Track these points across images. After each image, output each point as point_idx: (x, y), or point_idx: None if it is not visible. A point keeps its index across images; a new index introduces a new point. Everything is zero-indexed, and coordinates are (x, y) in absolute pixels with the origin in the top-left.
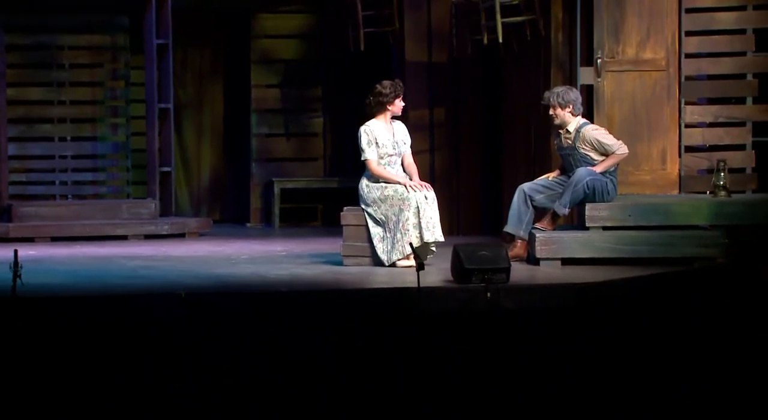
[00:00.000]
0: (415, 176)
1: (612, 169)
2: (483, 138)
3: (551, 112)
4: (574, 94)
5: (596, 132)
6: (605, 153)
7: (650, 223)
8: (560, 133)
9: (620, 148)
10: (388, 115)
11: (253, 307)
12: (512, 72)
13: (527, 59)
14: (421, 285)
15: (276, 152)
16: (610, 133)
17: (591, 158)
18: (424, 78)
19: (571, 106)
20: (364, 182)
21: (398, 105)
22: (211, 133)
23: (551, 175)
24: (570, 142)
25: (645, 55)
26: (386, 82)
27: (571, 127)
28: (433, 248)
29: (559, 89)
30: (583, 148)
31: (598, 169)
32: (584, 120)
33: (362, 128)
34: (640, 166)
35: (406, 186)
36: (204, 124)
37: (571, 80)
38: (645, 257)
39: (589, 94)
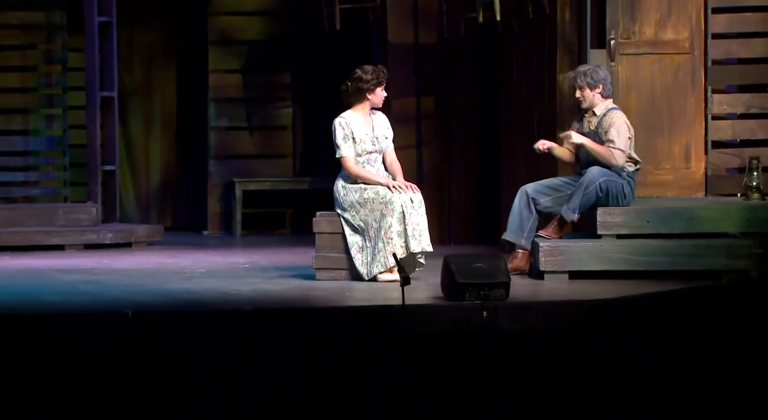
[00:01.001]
0: (399, 176)
1: (631, 170)
2: (478, 131)
3: (578, 94)
4: (603, 73)
5: (620, 121)
6: (603, 140)
7: (672, 231)
8: (584, 116)
9: (617, 152)
10: (368, 105)
11: (211, 328)
12: (512, 55)
13: (529, 40)
14: (407, 302)
15: (237, 148)
16: None
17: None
18: (410, 62)
19: (600, 87)
20: (339, 183)
21: (379, 95)
22: (161, 125)
23: (558, 151)
24: (593, 126)
25: (665, 35)
26: (368, 67)
27: (598, 110)
28: (421, 260)
29: (586, 68)
30: (604, 135)
31: (581, 140)
32: (614, 105)
33: (337, 121)
34: (660, 165)
35: (388, 187)
36: (153, 116)
37: (579, 64)
38: (666, 270)
39: None
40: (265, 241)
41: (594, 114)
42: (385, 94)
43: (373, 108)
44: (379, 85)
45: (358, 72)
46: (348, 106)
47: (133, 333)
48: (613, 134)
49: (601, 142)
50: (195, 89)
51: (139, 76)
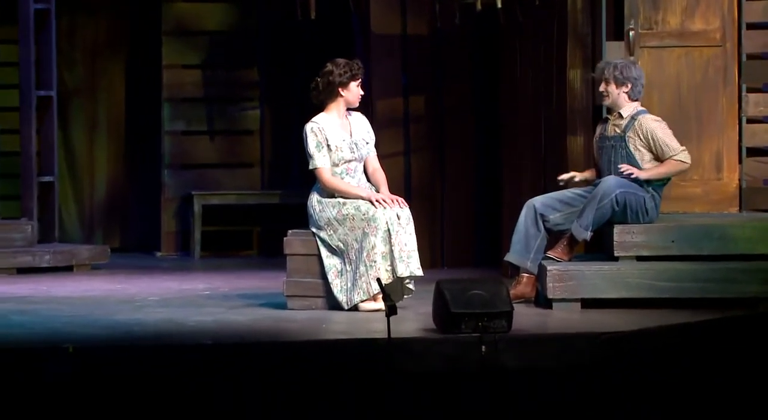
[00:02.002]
0: (384, 188)
1: (659, 181)
2: (476, 136)
3: (602, 88)
4: (637, 72)
5: (657, 124)
6: (660, 156)
7: (701, 252)
8: (608, 118)
9: (682, 154)
10: (342, 105)
11: (165, 364)
12: (515, 48)
13: (536, 31)
14: (393, 335)
15: (196, 156)
16: None
17: (638, 158)
18: (397, 56)
19: (629, 86)
20: (314, 198)
21: (354, 91)
22: (107, 130)
23: (581, 176)
24: (619, 130)
25: (693, 25)
26: (341, 60)
27: (625, 112)
28: (409, 286)
29: (619, 61)
30: (633, 141)
31: (645, 174)
32: (643, 108)
33: (308, 126)
34: (687, 176)
35: (371, 201)
36: (99, 119)
37: (594, 59)
38: (693, 297)
39: None
40: (229, 264)
41: (620, 116)
42: (362, 92)
43: (349, 108)
44: (353, 79)
45: (329, 65)
46: (320, 108)
47: (74, 371)
48: (663, 144)
49: (627, 150)
50: (147, 88)
51: (81, 73)
